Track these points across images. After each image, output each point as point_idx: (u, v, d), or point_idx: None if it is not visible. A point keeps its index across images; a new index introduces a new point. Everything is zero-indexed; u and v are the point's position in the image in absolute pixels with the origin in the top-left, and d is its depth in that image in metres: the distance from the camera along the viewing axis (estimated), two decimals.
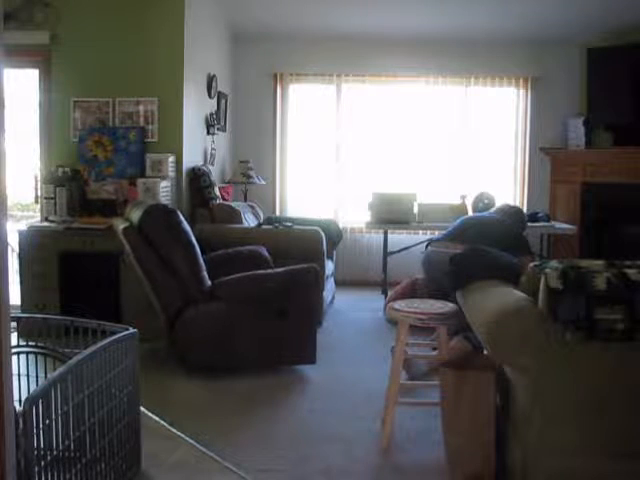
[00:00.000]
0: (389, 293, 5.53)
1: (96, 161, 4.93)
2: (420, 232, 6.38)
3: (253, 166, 6.23)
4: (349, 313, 5.52)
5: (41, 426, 1.77)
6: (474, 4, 5.77)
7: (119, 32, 4.91)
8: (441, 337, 3.01)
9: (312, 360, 3.90)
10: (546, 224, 5.87)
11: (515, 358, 2.22)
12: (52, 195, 4.74)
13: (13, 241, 4.55)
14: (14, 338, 2.50)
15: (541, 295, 2.16)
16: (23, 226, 4.67)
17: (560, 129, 6.54)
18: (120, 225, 3.97)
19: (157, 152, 4.92)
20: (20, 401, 1.76)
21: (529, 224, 5.45)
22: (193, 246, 3.86)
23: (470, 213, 5.69)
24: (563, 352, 2.12)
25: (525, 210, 6.32)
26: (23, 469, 1.67)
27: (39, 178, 4.97)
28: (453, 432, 2.52)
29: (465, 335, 3.82)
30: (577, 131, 6.32)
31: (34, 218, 5.14)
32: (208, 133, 5.69)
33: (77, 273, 4.51)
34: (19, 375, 2.43)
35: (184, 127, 4.99)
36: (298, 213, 6.52)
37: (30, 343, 2.55)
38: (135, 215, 3.94)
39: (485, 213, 5.12)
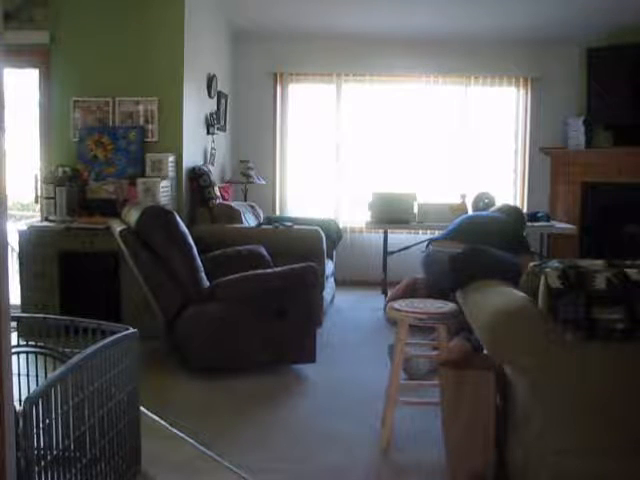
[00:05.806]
0: (389, 293, 5.53)
1: (96, 161, 4.93)
2: (420, 232, 6.38)
3: (253, 166, 6.23)
4: (349, 313, 5.52)
5: (41, 426, 1.77)
6: (474, 4, 5.76)
7: (119, 32, 4.91)
8: (441, 337, 3.01)
9: (312, 359, 3.90)
10: (546, 224, 5.87)
11: (515, 358, 2.22)
12: (52, 195, 4.74)
13: (13, 241, 4.55)
14: (14, 338, 2.50)
15: (541, 295, 2.16)
16: (23, 226, 4.67)
17: (560, 129, 6.54)
18: (117, 227, 3.96)
19: (157, 152, 4.92)
20: (20, 401, 1.75)
21: (529, 224, 5.45)
22: (190, 247, 3.86)
23: (470, 213, 5.69)
24: (563, 352, 2.12)
25: (525, 210, 6.33)
26: (23, 469, 1.67)
27: (39, 178, 4.97)
28: (453, 432, 2.51)
29: (465, 335, 3.82)
30: (577, 131, 6.32)
31: (34, 218, 5.14)
32: (208, 133, 5.69)
33: (77, 273, 4.51)
34: (19, 375, 2.43)
35: (184, 127, 4.99)
36: (298, 213, 6.51)
37: (30, 343, 2.55)
38: (132, 217, 3.93)
39: (484, 212, 5.12)
